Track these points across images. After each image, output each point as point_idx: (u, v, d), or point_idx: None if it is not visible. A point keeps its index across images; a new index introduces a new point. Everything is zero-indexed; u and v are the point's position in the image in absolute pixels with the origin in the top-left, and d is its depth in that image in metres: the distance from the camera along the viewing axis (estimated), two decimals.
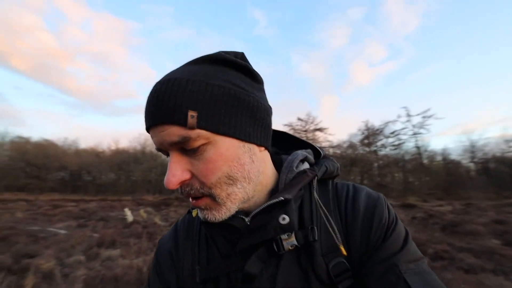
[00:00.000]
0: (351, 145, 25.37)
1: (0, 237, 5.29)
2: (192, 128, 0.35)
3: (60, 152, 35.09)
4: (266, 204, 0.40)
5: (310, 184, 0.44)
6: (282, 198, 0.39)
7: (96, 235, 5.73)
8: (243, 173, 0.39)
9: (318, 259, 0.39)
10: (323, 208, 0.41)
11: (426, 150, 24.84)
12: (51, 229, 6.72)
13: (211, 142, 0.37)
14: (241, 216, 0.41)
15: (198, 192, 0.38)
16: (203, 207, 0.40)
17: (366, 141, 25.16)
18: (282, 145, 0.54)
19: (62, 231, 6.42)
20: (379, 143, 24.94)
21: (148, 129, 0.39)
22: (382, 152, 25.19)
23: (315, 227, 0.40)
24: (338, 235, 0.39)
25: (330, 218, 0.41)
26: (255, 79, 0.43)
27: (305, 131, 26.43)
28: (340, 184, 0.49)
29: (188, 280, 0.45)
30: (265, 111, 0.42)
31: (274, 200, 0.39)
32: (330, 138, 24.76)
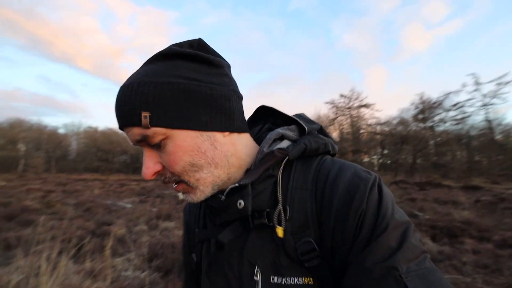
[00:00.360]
0: (402, 121, 22.90)
1: (85, 208, 6.52)
2: (146, 127, 0.38)
3: (121, 138, 40.19)
4: (227, 189, 0.43)
5: (288, 163, 0.45)
6: (237, 185, 0.42)
7: (154, 209, 6.59)
8: (206, 159, 0.42)
9: (287, 237, 0.40)
10: (295, 188, 0.42)
11: (500, 124, 21.07)
12: (120, 203, 7.96)
13: (169, 136, 0.40)
14: (219, 195, 0.44)
15: (172, 179, 0.43)
16: (181, 191, 0.45)
17: (420, 116, 22.43)
18: (281, 120, 0.53)
19: (128, 205, 7.56)
20: (436, 118, 22.02)
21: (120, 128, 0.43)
22: (440, 128, 22.27)
23: (287, 207, 0.41)
24: (307, 215, 0.41)
25: (303, 198, 0.41)
26: (212, 64, 0.43)
27: (349, 108, 24.80)
28: (328, 162, 0.45)
29: (193, 239, 0.55)
30: (224, 97, 0.43)
31: (231, 186, 0.43)
32: (377, 114, 22.86)
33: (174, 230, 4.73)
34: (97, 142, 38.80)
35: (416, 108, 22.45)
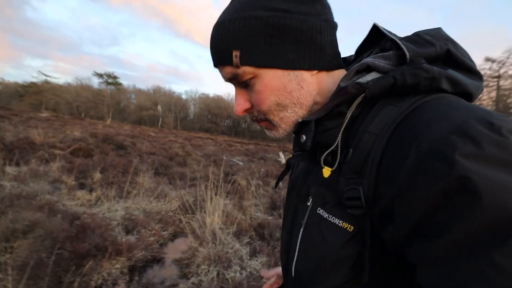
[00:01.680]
0: None
1: (214, 160, 8.21)
2: (237, 67, 0.39)
3: (226, 104, 46.14)
4: (294, 124, 0.44)
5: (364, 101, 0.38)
6: (300, 120, 0.43)
7: (262, 169, 7.55)
8: (291, 99, 0.42)
9: (340, 178, 0.37)
10: (363, 131, 0.36)
11: None
12: (234, 160, 9.52)
13: (257, 75, 0.40)
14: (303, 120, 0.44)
15: (258, 118, 0.45)
16: (265, 127, 0.47)
17: None
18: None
19: (241, 163, 8.95)
20: None
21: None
22: None
23: (350, 149, 0.37)
24: (366, 164, 0.34)
25: (368, 143, 0.35)
26: None
27: (497, 77, 18.35)
28: (433, 103, 0.33)
29: None
30: (315, 29, 0.39)
31: (299, 120, 0.44)
32: None
33: (283, 189, 5.36)
34: (208, 106, 46.48)
35: None
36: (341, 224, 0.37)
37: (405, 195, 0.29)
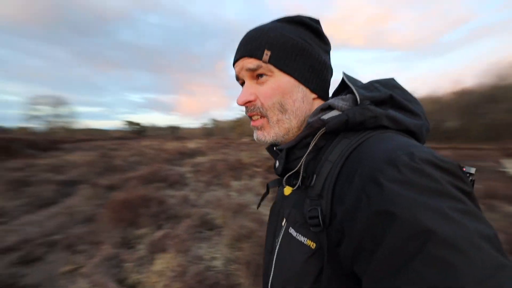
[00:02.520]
0: None
1: None
2: (265, 62, 0.48)
3: None
4: (274, 149, 0.55)
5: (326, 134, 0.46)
6: (274, 149, 0.55)
7: (480, 186, 5.34)
8: (292, 107, 0.50)
9: (306, 199, 0.43)
10: (325, 160, 0.43)
11: None
12: None
13: (275, 75, 0.49)
14: (277, 149, 0.54)
15: (258, 111, 0.51)
16: (258, 127, 0.52)
17: None
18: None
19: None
20: None
21: (235, 61, 0.52)
22: None
23: (315, 175, 0.44)
24: (324, 187, 0.41)
25: (327, 169, 0.42)
26: (323, 41, 0.54)
27: None
28: (376, 136, 0.41)
29: None
30: (324, 66, 0.52)
31: (275, 148, 0.54)
32: None
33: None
34: None
35: None
36: (305, 242, 0.42)
37: (350, 215, 0.35)
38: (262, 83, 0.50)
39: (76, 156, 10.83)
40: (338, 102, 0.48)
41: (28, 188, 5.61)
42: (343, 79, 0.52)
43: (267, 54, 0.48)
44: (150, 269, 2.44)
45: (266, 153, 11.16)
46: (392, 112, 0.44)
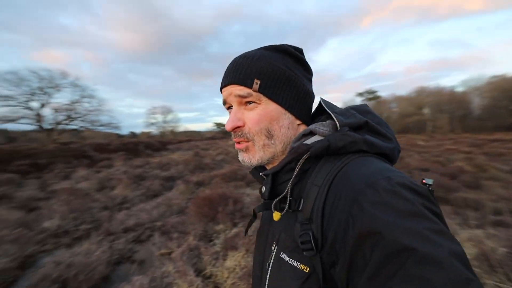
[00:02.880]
0: None
1: None
2: (255, 91, 0.50)
3: None
4: (260, 174, 0.56)
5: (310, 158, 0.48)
6: (260, 174, 0.55)
7: None
8: (278, 133, 0.52)
9: (296, 224, 0.44)
10: (311, 183, 0.45)
11: None
12: None
13: (263, 102, 0.51)
14: (263, 174, 0.55)
15: (245, 137, 0.52)
16: (243, 149, 0.54)
17: None
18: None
19: None
20: None
21: (223, 87, 0.54)
22: None
23: (302, 199, 0.46)
24: (313, 210, 0.43)
25: (314, 193, 0.43)
26: (307, 70, 0.57)
27: None
28: (356, 161, 0.44)
29: None
30: (308, 95, 0.55)
31: (261, 174, 0.55)
32: None
33: None
34: (508, 92, 31.07)
35: None
36: (299, 266, 0.43)
37: (341, 236, 0.37)
38: (250, 109, 0.52)
39: (176, 155, 13.07)
40: (319, 127, 0.51)
41: (144, 182, 7.15)
42: (320, 103, 0.57)
43: (257, 83, 0.50)
44: (223, 265, 2.62)
45: None
46: (369, 138, 0.47)
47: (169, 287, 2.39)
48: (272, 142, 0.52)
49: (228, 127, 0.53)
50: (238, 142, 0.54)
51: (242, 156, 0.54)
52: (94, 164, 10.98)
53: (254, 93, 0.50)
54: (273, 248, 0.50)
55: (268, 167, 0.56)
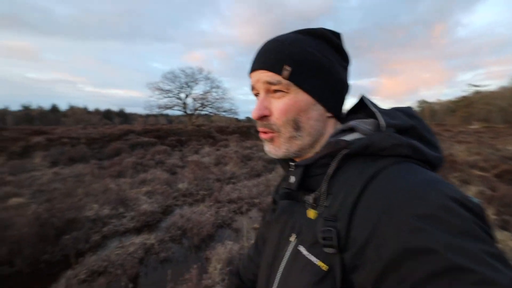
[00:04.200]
0: None
1: None
2: (285, 78, 0.46)
3: None
4: (293, 165, 0.52)
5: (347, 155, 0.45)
6: (292, 164, 0.52)
7: None
8: (306, 125, 0.48)
9: (320, 219, 0.43)
10: (344, 182, 0.43)
11: None
12: None
13: (292, 91, 0.47)
14: (291, 163, 0.53)
15: (271, 126, 0.49)
16: (268, 140, 0.51)
17: None
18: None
19: None
20: None
21: (251, 71, 0.51)
22: None
23: (330, 196, 0.44)
24: (341, 209, 0.40)
25: (346, 193, 0.41)
26: (344, 58, 0.52)
27: None
28: (398, 167, 0.39)
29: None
30: (343, 85, 0.51)
31: (293, 164, 0.52)
32: None
33: None
34: None
35: None
36: (317, 262, 0.41)
37: (377, 243, 0.34)
38: (278, 98, 0.49)
39: None
40: (361, 125, 0.48)
41: (250, 162, 8.01)
42: (361, 100, 0.54)
43: (287, 69, 0.46)
44: None
45: (500, 152, 7.34)
46: (415, 142, 0.43)
47: None
48: (299, 134, 0.49)
49: (254, 115, 0.50)
50: (264, 132, 0.51)
51: (267, 147, 0.52)
52: (215, 143, 13.36)
53: (284, 81, 0.47)
54: (290, 239, 0.49)
55: (296, 159, 0.53)
